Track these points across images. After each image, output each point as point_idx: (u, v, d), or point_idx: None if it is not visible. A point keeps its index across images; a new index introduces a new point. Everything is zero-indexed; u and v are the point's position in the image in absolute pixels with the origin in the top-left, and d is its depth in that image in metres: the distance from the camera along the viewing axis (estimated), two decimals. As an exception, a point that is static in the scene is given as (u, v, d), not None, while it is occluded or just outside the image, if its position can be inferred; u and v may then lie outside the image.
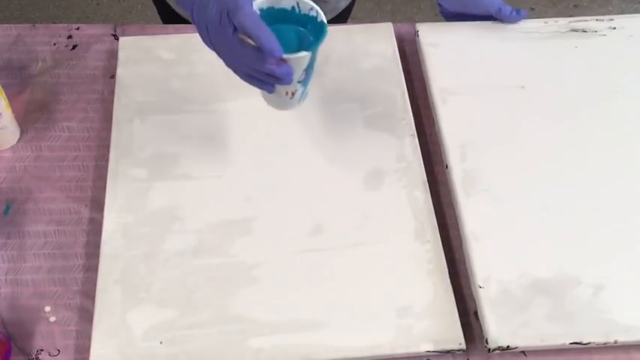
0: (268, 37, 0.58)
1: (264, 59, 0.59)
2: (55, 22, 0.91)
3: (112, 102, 0.83)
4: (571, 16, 0.95)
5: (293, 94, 0.67)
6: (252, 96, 0.84)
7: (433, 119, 0.83)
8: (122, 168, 0.77)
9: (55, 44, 0.90)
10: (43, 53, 0.89)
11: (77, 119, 0.84)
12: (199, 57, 0.86)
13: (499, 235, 0.73)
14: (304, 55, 0.61)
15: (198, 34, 0.88)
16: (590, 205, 0.75)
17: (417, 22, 0.92)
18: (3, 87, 0.78)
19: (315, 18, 0.64)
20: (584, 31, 0.90)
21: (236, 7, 0.58)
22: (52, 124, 0.83)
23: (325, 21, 0.64)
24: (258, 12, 0.63)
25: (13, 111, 0.80)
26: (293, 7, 0.65)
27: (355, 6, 1.18)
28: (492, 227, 0.73)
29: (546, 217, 0.74)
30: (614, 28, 0.91)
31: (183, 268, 0.71)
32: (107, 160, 0.78)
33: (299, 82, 0.65)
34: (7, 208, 0.77)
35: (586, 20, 0.91)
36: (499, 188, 0.76)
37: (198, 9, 0.61)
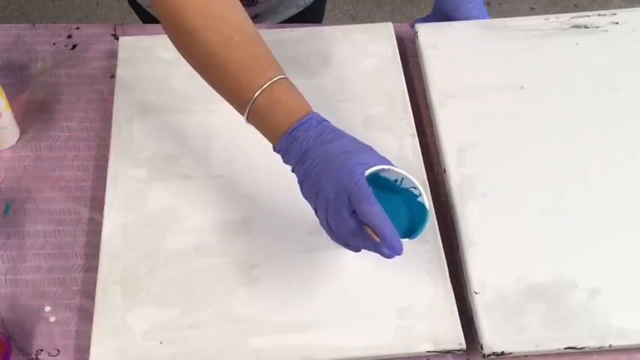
0: (392, 235, 0.57)
1: (379, 246, 0.58)
2: (55, 22, 0.91)
3: (112, 102, 0.83)
4: (571, 16, 0.95)
5: None
6: (252, 96, 0.84)
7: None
8: (122, 168, 0.77)
9: (55, 44, 0.90)
10: (43, 53, 0.89)
11: (77, 119, 0.84)
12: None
13: (495, 240, 0.73)
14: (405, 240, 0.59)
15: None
16: (587, 209, 0.75)
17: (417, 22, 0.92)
18: (3, 87, 0.78)
19: (416, 197, 0.62)
20: (585, 27, 0.90)
21: (361, 196, 0.58)
22: (52, 124, 0.83)
23: (426, 204, 0.61)
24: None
25: (13, 111, 0.80)
26: (396, 180, 0.62)
27: (355, 6, 1.17)
28: (489, 232, 0.73)
29: (543, 221, 0.74)
30: (617, 23, 0.90)
31: (183, 268, 0.71)
32: (107, 160, 0.78)
33: None
34: (7, 208, 0.77)
35: (588, 16, 0.91)
36: (496, 192, 0.76)
37: (309, 178, 0.61)
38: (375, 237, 0.58)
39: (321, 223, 0.62)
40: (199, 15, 0.63)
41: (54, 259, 0.74)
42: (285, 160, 0.63)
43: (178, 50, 0.67)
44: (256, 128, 0.65)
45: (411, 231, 0.61)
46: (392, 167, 0.60)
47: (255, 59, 0.64)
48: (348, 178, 0.58)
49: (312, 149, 0.61)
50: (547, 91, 0.84)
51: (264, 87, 0.62)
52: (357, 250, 0.62)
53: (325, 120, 0.63)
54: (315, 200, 0.61)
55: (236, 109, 0.65)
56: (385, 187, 0.62)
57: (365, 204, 0.58)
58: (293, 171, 0.63)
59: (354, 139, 0.62)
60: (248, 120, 0.64)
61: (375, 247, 0.59)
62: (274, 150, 0.64)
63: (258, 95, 0.62)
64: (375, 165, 0.59)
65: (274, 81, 0.63)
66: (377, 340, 0.67)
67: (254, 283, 0.70)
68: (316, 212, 0.62)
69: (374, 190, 0.58)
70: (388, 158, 0.62)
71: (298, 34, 0.89)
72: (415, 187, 0.61)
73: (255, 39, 0.65)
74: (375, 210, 0.58)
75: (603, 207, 0.75)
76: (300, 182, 0.62)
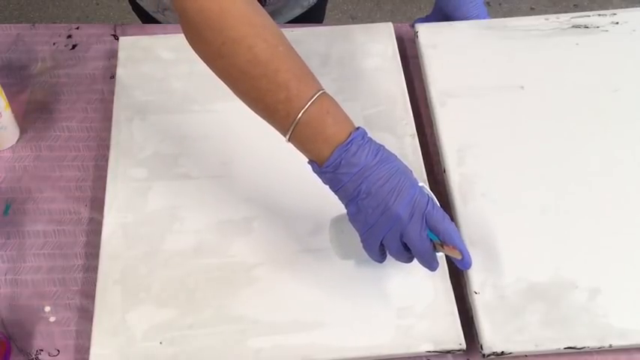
0: (468, 252, 0.62)
1: (437, 263, 0.63)
2: (54, 22, 0.91)
3: (112, 102, 0.83)
4: (571, 16, 0.95)
5: None
6: (252, 96, 0.84)
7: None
8: (122, 168, 0.77)
9: (54, 44, 0.90)
10: (42, 53, 0.89)
11: (77, 119, 0.84)
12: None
13: (495, 240, 0.73)
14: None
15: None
16: (587, 209, 0.75)
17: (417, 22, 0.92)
18: (3, 87, 0.78)
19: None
20: (585, 27, 0.90)
21: (441, 216, 0.61)
22: (52, 124, 0.83)
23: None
24: None
25: (13, 111, 0.80)
26: None
27: (355, 6, 1.18)
28: (489, 232, 0.73)
29: (543, 221, 0.74)
30: (617, 23, 0.90)
31: (183, 268, 0.71)
32: (107, 160, 0.78)
33: None
34: (7, 208, 0.77)
35: (588, 16, 0.91)
36: (496, 192, 0.76)
37: (371, 197, 0.60)
38: (456, 254, 0.62)
39: (372, 242, 0.62)
40: (244, 24, 0.61)
41: (54, 259, 0.74)
42: (333, 176, 0.61)
43: (211, 62, 0.64)
44: (299, 144, 0.62)
45: None
46: (424, 184, 0.65)
47: (301, 69, 0.62)
48: (421, 200, 0.61)
49: (372, 167, 0.60)
50: (547, 91, 0.84)
51: (315, 97, 0.60)
52: (406, 262, 0.64)
53: (371, 138, 0.63)
54: (379, 219, 0.60)
55: (277, 123, 0.62)
56: None
57: (446, 224, 0.61)
58: (341, 187, 0.61)
59: (398, 158, 0.63)
60: (293, 134, 0.61)
61: (433, 263, 0.63)
62: (321, 165, 0.61)
63: (309, 105, 0.60)
64: (418, 184, 0.63)
65: (322, 92, 0.62)
66: (377, 340, 0.67)
67: (254, 283, 0.70)
68: (370, 229, 0.61)
69: None
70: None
71: (298, 34, 0.89)
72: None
73: (294, 50, 0.64)
74: (454, 229, 0.61)
75: (603, 207, 0.75)
76: (356, 200, 0.60)
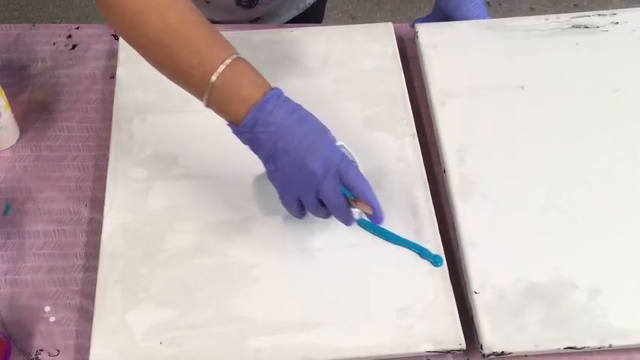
0: (380, 208, 0.64)
1: (352, 218, 0.65)
2: (54, 22, 0.91)
3: (112, 102, 0.83)
4: (571, 16, 0.95)
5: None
6: (252, 96, 0.84)
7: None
8: (122, 168, 0.77)
9: (54, 44, 0.90)
10: (42, 53, 0.89)
11: (77, 119, 0.84)
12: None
13: (496, 240, 0.73)
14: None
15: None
16: (587, 209, 0.75)
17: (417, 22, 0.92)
18: (3, 87, 0.78)
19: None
20: (585, 27, 0.90)
21: (353, 173, 0.63)
22: (52, 124, 0.83)
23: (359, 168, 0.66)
24: None
25: (13, 111, 0.80)
26: None
27: (355, 6, 1.18)
28: (489, 232, 0.73)
29: (543, 221, 0.74)
30: (617, 23, 0.90)
31: (183, 268, 0.71)
32: (107, 160, 0.78)
33: None
34: (7, 208, 0.77)
35: (588, 16, 0.91)
36: (496, 192, 0.76)
37: (288, 155, 0.62)
38: (368, 209, 0.64)
39: (290, 199, 0.65)
40: None
41: (54, 259, 0.74)
42: (251, 136, 0.63)
43: (124, 34, 0.66)
44: (216, 108, 0.64)
45: None
46: (342, 143, 0.65)
47: (215, 36, 0.64)
48: (335, 157, 0.63)
49: (289, 125, 0.62)
50: (547, 91, 0.84)
51: (229, 61, 0.62)
52: (324, 218, 0.67)
53: (288, 97, 0.64)
54: (295, 176, 0.62)
55: (193, 88, 0.64)
56: None
57: (358, 180, 0.63)
58: (259, 146, 0.63)
59: (315, 117, 0.65)
60: (209, 98, 0.63)
61: (348, 218, 0.65)
62: (237, 126, 0.63)
63: (224, 69, 0.62)
64: (335, 142, 0.65)
65: (237, 57, 0.63)
66: (377, 340, 0.67)
67: (254, 283, 0.70)
68: (287, 187, 0.64)
69: None
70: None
71: (298, 34, 0.89)
72: (353, 160, 0.66)
73: (207, 21, 0.65)
74: (366, 185, 0.63)
75: (603, 207, 0.75)
76: (275, 158, 0.63)
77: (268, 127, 0.62)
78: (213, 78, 0.62)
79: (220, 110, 0.64)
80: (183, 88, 0.65)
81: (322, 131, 0.64)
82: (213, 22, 0.95)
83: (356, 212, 0.65)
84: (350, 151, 0.66)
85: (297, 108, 0.64)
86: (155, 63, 0.65)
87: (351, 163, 0.64)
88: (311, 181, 0.62)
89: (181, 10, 0.64)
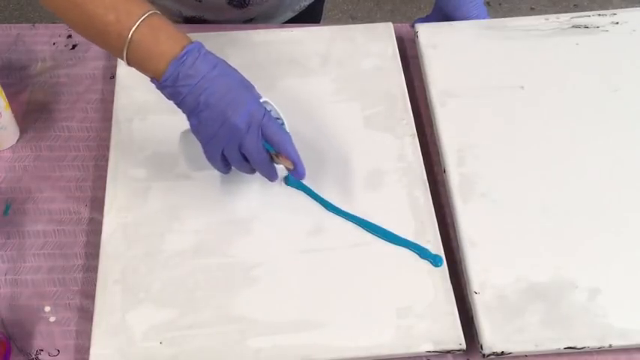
0: (301, 163, 0.66)
1: (275, 174, 0.68)
2: (55, 22, 0.91)
3: (112, 102, 0.83)
4: (571, 16, 0.95)
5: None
6: (252, 96, 0.84)
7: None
8: (122, 168, 0.77)
9: (54, 44, 0.90)
10: (43, 53, 0.89)
11: (77, 119, 0.84)
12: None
13: (496, 240, 0.73)
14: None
15: (196, 35, 0.88)
16: (587, 209, 0.75)
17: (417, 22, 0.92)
18: (3, 87, 0.78)
19: (283, 125, 0.70)
20: (585, 27, 0.90)
21: (275, 128, 0.64)
22: (52, 124, 0.83)
23: (287, 127, 0.70)
24: None
25: (13, 111, 0.80)
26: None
27: (355, 6, 1.18)
28: (489, 232, 0.73)
29: (543, 220, 0.74)
30: (617, 23, 0.90)
31: (183, 268, 0.71)
32: (107, 160, 0.78)
33: None
34: (7, 208, 0.77)
35: (588, 16, 0.91)
36: (497, 192, 0.76)
37: (210, 109, 0.63)
38: (288, 163, 0.66)
39: (213, 153, 0.65)
40: None
41: (54, 259, 0.74)
42: (173, 90, 0.63)
43: (42, 0, 0.65)
44: (136, 64, 0.64)
45: None
46: (268, 100, 0.67)
47: None
48: (257, 112, 0.63)
49: (211, 79, 0.62)
50: (547, 91, 0.84)
51: (145, 16, 0.62)
52: (249, 173, 0.68)
53: (209, 51, 0.64)
54: (218, 130, 0.63)
55: (111, 46, 0.64)
56: None
57: (280, 135, 0.64)
58: (182, 100, 0.63)
59: (239, 73, 0.65)
60: (129, 54, 0.63)
61: (272, 173, 0.67)
62: (159, 81, 0.63)
63: (139, 23, 0.61)
64: (260, 98, 0.66)
65: (154, 12, 0.63)
66: (377, 340, 0.67)
67: (254, 283, 0.70)
68: (210, 141, 0.64)
69: None
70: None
71: (298, 34, 0.89)
72: (279, 118, 0.69)
73: None
74: (288, 140, 0.65)
75: (603, 207, 0.75)
76: (197, 111, 0.63)
77: (190, 80, 0.62)
78: (130, 33, 0.61)
79: (141, 67, 0.64)
80: (102, 47, 0.65)
81: (245, 86, 0.64)
82: (206, 21, 0.96)
83: (278, 168, 0.67)
84: (276, 108, 0.68)
85: (219, 62, 0.64)
86: (72, 23, 0.65)
87: (272, 118, 0.65)
88: (233, 135, 0.63)
89: None
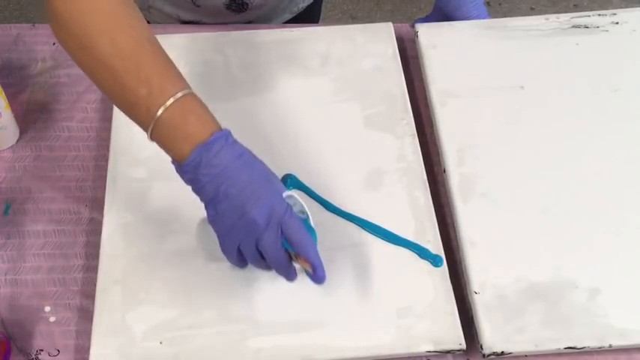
0: (322, 267, 0.61)
1: (294, 275, 0.63)
2: (55, 22, 0.90)
3: (112, 102, 0.83)
4: (571, 16, 0.95)
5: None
6: (252, 96, 0.84)
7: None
8: (122, 168, 0.77)
9: (55, 44, 0.90)
10: (43, 53, 0.89)
11: (77, 119, 0.84)
12: (199, 57, 0.86)
13: (496, 239, 0.73)
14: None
15: (196, 35, 0.88)
16: (587, 209, 0.75)
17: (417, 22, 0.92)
18: (3, 87, 0.78)
19: (306, 221, 0.64)
20: (585, 27, 0.90)
21: (296, 226, 0.60)
22: (52, 124, 0.83)
23: (312, 223, 0.65)
24: None
25: (13, 111, 0.80)
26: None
27: (355, 6, 1.17)
28: (489, 232, 0.73)
29: (543, 220, 0.74)
30: (617, 23, 0.90)
31: (183, 269, 0.71)
32: (107, 160, 0.78)
33: None
34: (7, 208, 0.77)
35: (588, 16, 0.91)
36: (497, 192, 0.76)
37: (229, 199, 0.59)
38: (307, 266, 0.60)
39: (229, 247, 0.61)
40: (110, 18, 0.61)
41: (54, 259, 0.74)
42: (193, 176, 0.59)
43: (74, 53, 0.62)
44: (161, 142, 0.60)
45: None
46: (293, 194, 0.62)
47: (167, 68, 0.61)
48: (279, 208, 0.59)
49: (233, 169, 0.59)
50: (547, 91, 0.84)
51: (178, 96, 0.59)
52: (265, 270, 0.64)
53: (237, 140, 0.61)
54: (235, 224, 0.59)
55: (138, 119, 0.61)
56: None
57: (301, 234, 0.60)
58: (201, 188, 0.60)
59: (265, 165, 0.62)
60: (154, 131, 0.60)
61: (290, 274, 0.63)
62: (180, 163, 0.60)
63: (172, 102, 0.58)
64: (283, 192, 0.61)
65: (188, 92, 0.60)
66: (377, 340, 0.67)
67: (254, 283, 0.70)
68: (226, 234, 0.60)
69: None
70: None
71: (298, 34, 0.89)
72: (303, 212, 0.64)
73: (165, 52, 0.62)
74: (309, 241, 0.60)
75: (603, 207, 0.75)
76: (216, 202, 0.59)
77: (212, 170, 0.58)
78: (160, 111, 0.58)
79: (164, 146, 0.61)
80: (128, 117, 0.62)
81: (269, 179, 0.61)
82: (205, 24, 0.96)
83: (298, 268, 0.63)
84: (302, 202, 0.63)
85: (245, 152, 0.60)
86: (102, 88, 0.62)
87: (294, 216, 0.60)
88: (251, 230, 0.59)
89: (136, 36, 0.61)
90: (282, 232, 0.59)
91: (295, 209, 0.63)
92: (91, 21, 0.60)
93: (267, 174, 0.61)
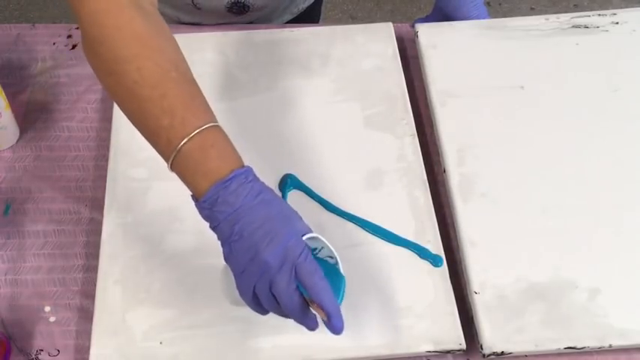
0: (339, 314, 0.56)
1: (314, 323, 0.58)
2: (54, 22, 0.91)
3: (112, 102, 0.83)
4: (571, 16, 0.95)
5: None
6: (251, 96, 0.84)
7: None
8: (122, 168, 0.77)
9: (54, 44, 0.90)
10: (43, 53, 0.89)
11: (77, 119, 0.84)
12: (199, 57, 0.86)
13: (496, 240, 0.73)
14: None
15: (196, 35, 0.88)
16: (587, 209, 0.75)
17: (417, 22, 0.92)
18: (3, 87, 0.78)
19: (333, 265, 0.60)
20: (585, 27, 0.90)
21: (311, 270, 0.55)
22: (52, 124, 0.83)
23: (342, 271, 0.59)
24: None
25: (13, 111, 0.80)
26: (315, 248, 0.60)
27: (355, 6, 1.17)
28: (489, 232, 0.73)
29: (543, 220, 0.74)
30: (617, 23, 0.90)
31: (183, 268, 0.71)
32: (107, 160, 0.78)
33: None
34: (7, 208, 0.77)
35: (588, 15, 0.91)
36: (497, 192, 0.76)
37: (243, 240, 0.56)
38: (322, 314, 0.56)
39: (244, 289, 0.58)
40: (137, 44, 0.58)
41: (54, 259, 0.74)
42: (210, 213, 0.57)
43: (103, 79, 0.61)
44: (180, 175, 0.58)
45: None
46: (319, 236, 0.58)
47: (192, 99, 0.59)
48: (294, 249, 0.55)
49: (250, 208, 0.56)
50: (547, 91, 0.84)
51: (201, 129, 0.57)
52: (282, 316, 0.59)
53: (258, 178, 0.59)
54: (248, 264, 0.56)
55: (159, 149, 0.59)
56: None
57: (316, 279, 0.55)
58: (217, 226, 0.57)
59: (286, 204, 0.59)
60: (174, 163, 0.57)
61: (308, 322, 0.58)
62: (199, 199, 0.57)
63: (193, 135, 0.56)
64: (305, 233, 0.57)
65: (212, 125, 0.58)
66: (377, 340, 0.67)
67: (254, 283, 0.70)
68: (240, 274, 0.57)
69: None
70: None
71: (298, 34, 0.89)
72: (332, 257, 0.59)
73: (193, 80, 0.61)
74: (325, 287, 0.56)
75: (603, 207, 0.75)
76: (230, 241, 0.56)
77: (228, 208, 0.56)
78: (181, 143, 0.56)
79: (184, 179, 0.58)
80: (152, 146, 0.60)
81: (288, 218, 0.57)
82: (205, 25, 0.95)
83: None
84: (329, 245, 0.59)
85: (264, 190, 0.57)
86: (128, 114, 0.60)
87: (310, 258, 0.56)
88: (263, 272, 0.55)
89: (163, 64, 0.58)
90: (296, 275, 0.56)
91: (322, 253, 0.59)
92: (119, 46, 0.58)
93: (287, 213, 0.58)
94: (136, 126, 0.61)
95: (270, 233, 0.55)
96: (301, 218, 0.59)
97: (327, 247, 0.59)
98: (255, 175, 0.58)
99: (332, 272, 0.59)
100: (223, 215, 0.56)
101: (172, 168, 0.58)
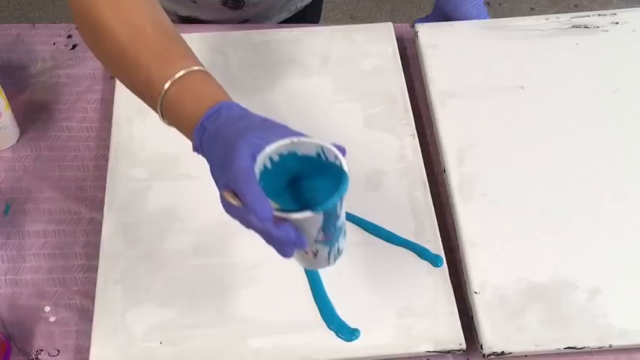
0: (254, 194, 0.49)
1: (254, 219, 0.51)
2: (54, 22, 0.91)
3: (112, 102, 0.83)
4: (571, 16, 0.95)
5: (315, 253, 0.54)
6: (251, 96, 0.84)
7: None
8: (122, 168, 0.77)
9: (54, 44, 0.90)
10: (43, 53, 0.89)
11: (77, 119, 0.84)
12: (198, 57, 0.86)
13: (496, 240, 0.73)
14: (307, 216, 0.50)
15: (196, 35, 0.88)
16: (587, 209, 0.75)
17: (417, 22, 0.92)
18: (3, 87, 0.78)
19: (340, 168, 0.54)
20: (585, 27, 0.90)
21: (231, 160, 0.50)
22: (52, 124, 0.83)
23: (347, 171, 0.53)
24: (269, 162, 0.52)
25: (13, 111, 0.80)
26: (318, 154, 0.55)
27: (355, 6, 1.17)
28: (489, 232, 0.73)
29: (543, 220, 0.74)
30: (617, 23, 0.90)
31: (183, 268, 0.71)
32: (107, 160, 0.78)
33: (317, 241, 0.53)
34: (7, 208, 0.77)
35: (588, 16, 0.91)
36: (496, 192, 0.76)
37: (212, 165, 0.54)
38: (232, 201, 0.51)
39: (220, 198, 0.54)
40: (110, 7, 0.59)
41: (54, 259, 0.73)
42: (202, 153, 0.55)
43: (90, 48, 0.61)
44: (174, 127, 0.57)
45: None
46: (301, 138, 0.51)
47: (167, 50, 0.57)
48: (236, 165, 0.50)
49: (220, 130, 0.52)
50: (547, 91, 0.84)
51: (176, 77, 0.55)
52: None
53: (244, 108, 0.55)
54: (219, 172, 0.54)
55: (151, 106, 0.58)
56: (313, 167, 0.55)
57: (233, 168, 0.50)
58: (204, 152, 0.55)
59: (264, 118, 0.54)
60: (165, 117, 0.56)
61: (254, 223, 0.51)
62: (194, 151, 0.56)
63: (169, 86, 0.55)
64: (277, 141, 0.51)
65: (189, 71, 0.55)
66: (377, 340, 0.67)
67: (254, 283, 0.70)
68: (217, 186, 0.54)
69: (294, 172, 0.52)
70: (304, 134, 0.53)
71: (298, 34, 0.89)
72: (336, 157, 0.54)
73: (170, 31, 0.59)
74: (242, 174, 0.50)
75: (603, 207, 0.75)
76: (210, 159, 0.54)
77: (206, 146, 0.54)
78: (160, 98, 0.55)
79: (180, 132, 0.57)
80: (149, 106, 0.59)
81: (268, 128, 0.53)
82: (202, 21, 0.96)
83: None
84: (327, 145, 0.54)
85: (233, 114, 0.54)
86: (121, 81, 0.61)
87: (246, 172, 0.50)
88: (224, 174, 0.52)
89: (136, 21, 0.58)
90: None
91: (329, 155, 0.54)
92: (97, 15, 0.59)
93: (269, 124, 0.54)
94: (128, 86, 0.60)
95: (222, 155, 0.52)
96: (279, 127, 0.54)
97: (325, 146, 0.54)
98: (234, 106, 0.55)
99: (339, 175, 0.54)
100: (207, 143, 0.53)
101: (166, 122, 0.58)
